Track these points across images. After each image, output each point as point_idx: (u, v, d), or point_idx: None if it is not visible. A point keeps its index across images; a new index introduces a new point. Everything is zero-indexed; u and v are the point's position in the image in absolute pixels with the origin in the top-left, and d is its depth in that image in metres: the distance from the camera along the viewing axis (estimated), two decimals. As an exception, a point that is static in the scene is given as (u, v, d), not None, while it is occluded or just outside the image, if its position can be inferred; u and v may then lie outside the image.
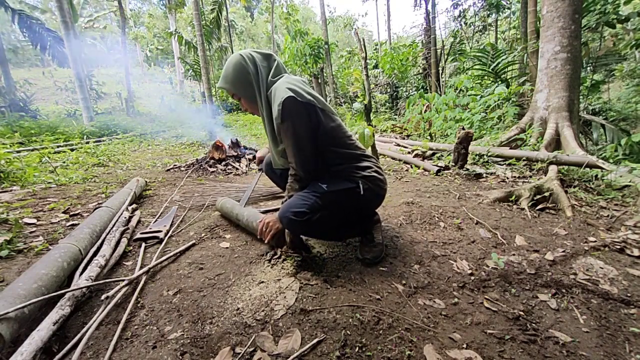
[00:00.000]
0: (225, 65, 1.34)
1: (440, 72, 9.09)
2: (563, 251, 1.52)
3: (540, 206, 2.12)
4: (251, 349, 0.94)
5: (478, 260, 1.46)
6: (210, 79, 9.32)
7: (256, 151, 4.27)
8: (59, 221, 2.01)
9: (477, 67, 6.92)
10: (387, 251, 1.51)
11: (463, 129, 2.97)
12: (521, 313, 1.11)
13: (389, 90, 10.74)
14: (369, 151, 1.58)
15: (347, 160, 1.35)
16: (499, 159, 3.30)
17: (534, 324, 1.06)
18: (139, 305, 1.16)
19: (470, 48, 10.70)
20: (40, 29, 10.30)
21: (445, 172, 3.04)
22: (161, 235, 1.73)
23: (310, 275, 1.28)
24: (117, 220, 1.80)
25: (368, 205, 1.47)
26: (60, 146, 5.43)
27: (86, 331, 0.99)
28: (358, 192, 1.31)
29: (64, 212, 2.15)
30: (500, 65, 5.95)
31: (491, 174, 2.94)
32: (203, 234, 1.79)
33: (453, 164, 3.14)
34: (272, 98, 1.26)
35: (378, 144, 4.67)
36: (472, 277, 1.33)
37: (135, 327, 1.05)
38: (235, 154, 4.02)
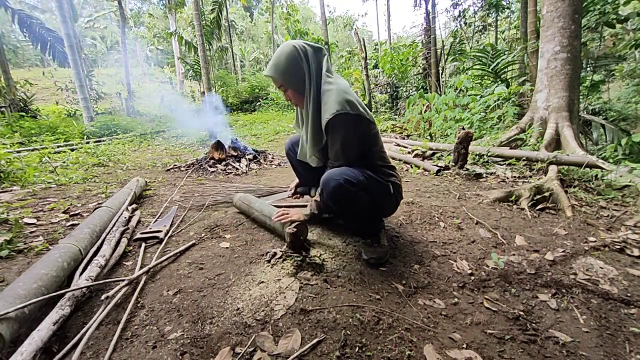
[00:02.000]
0: (276, 53, 1.31)
1: (440, 72, 9.09)
2: (563, 251, 1.52)
3: (540, 206, 2.12)
4: (251, 349, 0.94)
5: (478, 260, 1.46)
6: (210, 79, 9.32)
7: (257, 152, 4.27)
8: (59, 221, 2.01)
9: (477, 67, 6.92)
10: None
11: (463, 129, 2.97)
12: (521, 313, 1.11)
13: (389, 90, 10.73)
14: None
15: (377, 166, 1.42)
16: (499, 159, 3.30)
17: (534, 324, 1.06)
18: (139, 305, 1.16)
19: (470, 48, 10.70)
20: (40, 29, 10.30)
21: (445, 172, 3.04)
22: (161, 235, 1.73)
23: (310, 275, 1.28)
24: (117, 220, 1.80)
25: (388, 208, 1.51)
26: (61, 146, 5.43)
27: (86, 331, 0.99)
28: (389, 190, 1.40)
29: (64, 212, 2.15)
30: (500, 65, 5.95)
31: (491, 174, 2.94)
32: (203, 234, 1.79)
33: (453, 164, 3.14)
34: (324, 101, 1.27)
35: (378, 144, 4.66)
36: (472, 277, 1.33)
37: (135, 327, 1.05)
38: (235, 154, 4.02)
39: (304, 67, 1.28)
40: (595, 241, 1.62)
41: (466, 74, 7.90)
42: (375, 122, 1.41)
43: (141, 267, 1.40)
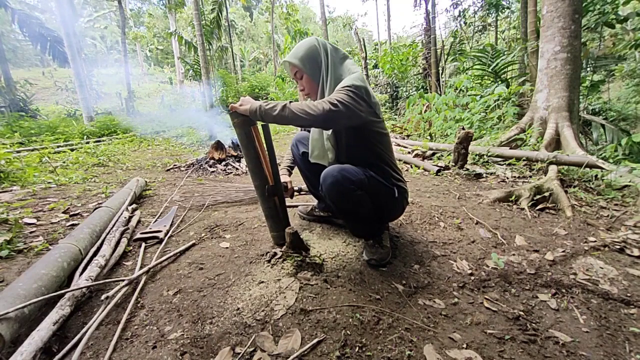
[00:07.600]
0: (297, 44, 1.40)
1: (440, 72, 9.09)
2: (563, 251, 1.52)
3: (540, 206, 2.12)
4: (251, 349, 0.94)
5: (478, 260, 1.46)
6: (210, 79, 9.32)
7: None
8: (59, 221, 2.00)
9: (477, 67, 6.92)
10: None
11: (463, 129, 2.97)
12: (521, 313, 1.11)
13: (389, 90, 10.73)
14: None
15: (390, 166, 1.42)
16: (499, 159, 3.30)
17: (534, 324, 1.06)
18: (139, 305, 1.16)
19: (470, 48, 10.70)
20: (40, 29, 10.29)
21: (445, 172, 3.04)
22: (161, 235, 1.73)
23: (310, 275, 1.28)
24: (117, 220, 1.80)
25: (392, 212, 1.49)
26: (60, 146, 5.43)
27: (86, 331, 0.99)
28: (393, 194, 1.38)
29: (64, 212, 2.15)
30: (500, 65, 5.95)
31: (491, 174, 2.94)
32: (203, 234, 1.79)
33: (453, 164, 3.14)
34: (343, 80, 1.29)
35: (378, 144, 4.66)
36: (472, 277, 1.33)
37: (135, 327, 1.05)
38: (235, 154, 4.02)
39: (322, 56, 1.35)
40: (595, 241, 1.62)
41: (466, 74, 7.89)
42: (386, 128, 1.40)
43: (141, 267, 1.40)
